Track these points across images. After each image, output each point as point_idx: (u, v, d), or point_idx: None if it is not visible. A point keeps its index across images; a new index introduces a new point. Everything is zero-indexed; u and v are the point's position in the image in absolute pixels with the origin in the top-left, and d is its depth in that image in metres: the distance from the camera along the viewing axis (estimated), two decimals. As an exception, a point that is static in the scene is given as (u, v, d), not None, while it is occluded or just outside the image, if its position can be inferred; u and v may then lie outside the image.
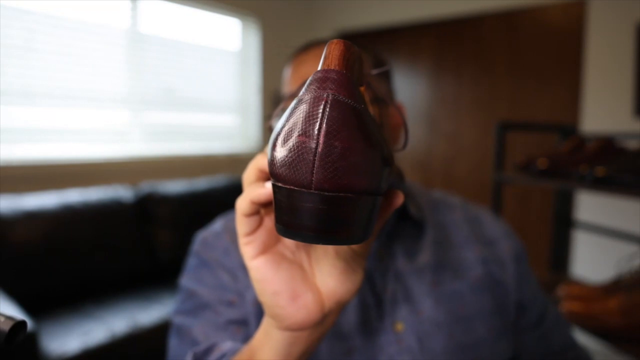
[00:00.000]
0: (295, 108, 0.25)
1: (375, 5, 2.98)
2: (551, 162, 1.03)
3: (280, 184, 0.25)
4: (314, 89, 0.25)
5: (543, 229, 2.34)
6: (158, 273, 2.12)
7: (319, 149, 0.23)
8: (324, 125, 0.23)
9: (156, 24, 2.45)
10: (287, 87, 0.59)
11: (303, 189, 0.24)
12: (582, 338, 1.09)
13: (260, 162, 0.33)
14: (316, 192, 0.24)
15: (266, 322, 0.36)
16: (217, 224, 0.63)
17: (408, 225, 0.60)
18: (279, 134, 0.25)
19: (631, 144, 1.08)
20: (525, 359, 0.62)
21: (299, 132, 0.24)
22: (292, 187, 0.24)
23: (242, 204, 0.33)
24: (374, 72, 0.35)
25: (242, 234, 0.34)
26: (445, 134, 2.82)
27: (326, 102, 0.24)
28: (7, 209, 1.74)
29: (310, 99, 0.24)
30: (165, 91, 2.53)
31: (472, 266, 0.59)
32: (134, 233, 2.09)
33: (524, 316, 0.61)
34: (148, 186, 2.24)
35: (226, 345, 0.45)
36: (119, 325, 1.62)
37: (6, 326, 0.26)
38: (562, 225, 1.43)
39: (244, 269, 0.56)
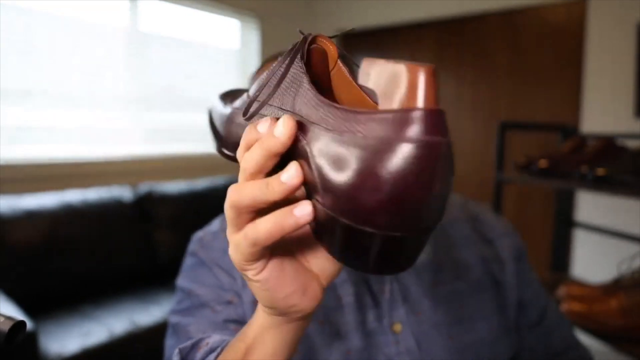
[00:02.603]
0: (400, 151, 0.21)
1: (375, 5, 2.98)
2: (551, 162, 1.03)
3: (372, 230, 0.23)
4: (422, 133, 0.21)
5: (543, 229, 2.33)
6: (158, 273, 2.12)
7: (430, 198, 0.22)
8: (439, 177, 0.22)
9: (156, 24, 2.45)
10: None
11: (406, 234, 0.23)
12: (582, 338, 1.09)
13: (249, 195, 0.28)
14: (419, 235, 0.23)
15: (268, 318, 0.35)
16: (214, 224, 0.62)
17: None
18: (377, 174, 0.22)
19: (631, 144, 1.08)
20: (526, 358, 0.62)
21: (412, 179, 0.21)
22: (392, 233, 0.23)
23: (247, 249, 0.29)
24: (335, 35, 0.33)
25: (243, 261, 0.30)
26: (446, 134, 2.81)
27: (442, 153, 0.22)
28: (7, 209, 1.74)
29: (421, 145, 0.21)
30: (165, 91, 2.53)
31: (472, 266, 0.59)
32: (134, 233, 2.09)
33: (524, 315, 0.61)
34: (148, 186, 2.24)
35: (213, 338, 0.44)
36: (118, 326, 1.61)
37: (6, 326, 0.26)
38: (563, 225, 1.43)
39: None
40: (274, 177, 0.28)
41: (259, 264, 0.30)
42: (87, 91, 2.19)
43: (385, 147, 0.22)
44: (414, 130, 0.21)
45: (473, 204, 0.66)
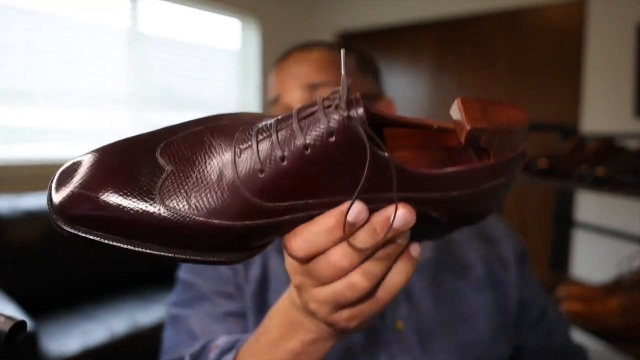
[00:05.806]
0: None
1: (375, 6, 2.98)
2: (551, 162, 1.03)
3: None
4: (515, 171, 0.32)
5: (543, 229, 2.33)
6: (158, 273, 2.12)
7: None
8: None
9: (156, 24, 2.45)
10: (271, 92, 0.59)
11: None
12: (582, 338, 1.09)
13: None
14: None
15: (326, 329, 0.33)
16: None
17: None
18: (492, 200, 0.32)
19: (631, 144, 1.08)
20: (526, 357, 0.62)
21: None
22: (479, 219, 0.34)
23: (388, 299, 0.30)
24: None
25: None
26: (445, 134, 2.81)
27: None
28: (7, 209, 1.74)
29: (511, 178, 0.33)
30: (165, 91, 2.53)
31: (474, 265, 0.59)
32: (134, 233, 2.08)
33: (525, 315, 0.61)
34: (148, 186, 2.24)
35: (222, 339, 0.43)
36: (118, 326, 1.61)
37: (6, 326, 0.26)
38: (562, 225, 1.43)
39: (243, 263, 0.56)
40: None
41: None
42: (87, 91, 2.19)
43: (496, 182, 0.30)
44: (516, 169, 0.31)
45: None
